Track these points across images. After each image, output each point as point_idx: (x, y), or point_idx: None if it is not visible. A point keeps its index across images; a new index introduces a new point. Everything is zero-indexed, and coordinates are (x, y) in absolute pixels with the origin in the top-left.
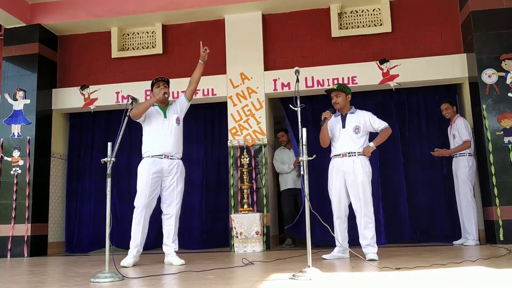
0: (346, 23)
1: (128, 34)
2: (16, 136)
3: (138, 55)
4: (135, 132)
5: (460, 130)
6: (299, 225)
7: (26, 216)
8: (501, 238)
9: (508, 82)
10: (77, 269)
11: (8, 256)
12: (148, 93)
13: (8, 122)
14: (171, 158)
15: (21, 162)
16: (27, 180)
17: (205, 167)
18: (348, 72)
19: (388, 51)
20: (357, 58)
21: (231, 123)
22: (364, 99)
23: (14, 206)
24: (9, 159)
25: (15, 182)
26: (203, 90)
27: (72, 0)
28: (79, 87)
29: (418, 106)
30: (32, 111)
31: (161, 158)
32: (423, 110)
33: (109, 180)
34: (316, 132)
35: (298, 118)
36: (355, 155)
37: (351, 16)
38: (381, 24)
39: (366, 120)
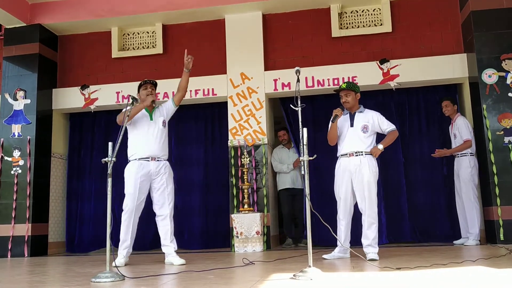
0: (347, 23)
1: (128, 34)
2: (16, 136)
3: (138, 55)
4: None
5: (460, 130)
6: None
7: (27, 216)
8: (502, 238)
9: (508, 82)
10: (77, 269)
11: (9, 256)
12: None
13: (8, 122)
14: (158, 160)
15: (21, 162)
16: (28, 180)
17: (206, 167)
18: (349, 72)
19: (388, 51)
20: (358, 58)
21: (231, 123)
22: (364, 99)
23: (14, 206)
24: (10, 159)
25: (15, 182)
26: (203, 90)
27: (72, 0)
28: (80, 87)
29: (418, 106)
30: (33, 111)
31: (148, 160)
32: (423, 110)
33: (109, 180)
34: (316, 132)
35: (299, 118)
36: (362, 155)
37: (352, 16)
38: (381, 24)
39: (374, 120)
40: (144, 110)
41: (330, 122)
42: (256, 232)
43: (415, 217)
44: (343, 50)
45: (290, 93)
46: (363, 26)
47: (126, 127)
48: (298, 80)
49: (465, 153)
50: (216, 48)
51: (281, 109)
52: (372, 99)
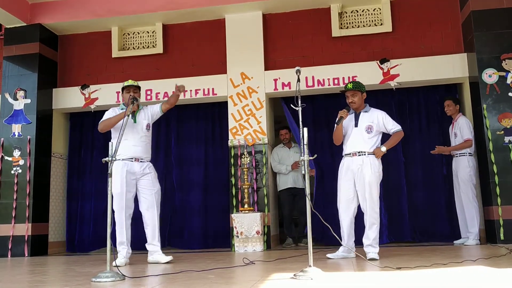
0: (347, 23)
1: (129, 34)
2: (16, 136)
3: (138, 55)
4: None
5: (462, 129)
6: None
7: (27, 216)
8: (502, 237)
9: (508, 81)
10: (78, 269)
11: (9, 256)
12: (149, 92)
13: (8, 122)
14: (141, 161)
15: (21, 162)
16: (28, 180)
17: (206, 167)
18: (349, 72)
19: (388, 51)
20: (358, 58)
21: (231, 123)
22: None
23: (14, 206)
24: (10, 158)
25: (15, 181)
26: (204, 89)
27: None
28: (80, 86)
29: (419, 105)
30: (33, 110)
31: (132, 161)
32: (424, 110)
33: (110, 180)
34: (317, 131)
35: (299, 118)
36: (364, 155)
37: (352, 15)
38: (381, 24)
39: (379, 120)
40: (129, 111)
41: (335, 124)
42: (256, 232)
43: (415, 217)
44: (343, 49)
45: (291, 92)
46: (363, 25)
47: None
48: (298, 80)
49: (464, 153)
50: (216, 48)
51: (284, 109)
52: (372, 99)
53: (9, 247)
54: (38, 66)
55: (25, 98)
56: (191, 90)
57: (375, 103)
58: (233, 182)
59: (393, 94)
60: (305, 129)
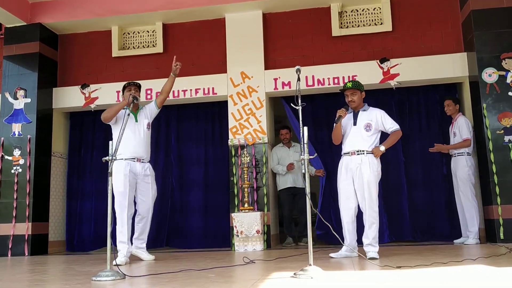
0: (347, 22)
1: (129, 33)
2: (16, 135)
3: (138, 54)
4: None
5: (461, 128)
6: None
7: (27, 215)
8: (502, 237)
9: (508, 81)
10: (78, 268)
11: (9, 255)
12: (149, 92)
13: (8, 121)
14: (143, 162)
15: (21, 161)
16: (28, 179)
17: (206, 166)
18: (349, 71)
19: (388, 50)
20: (358, 57)
21: (231, 122)
22: (365, 98)
23: (14, 205)
24: (10, 158)
25: (15, 181)
26: (204, 89)
27: None
28: (80, 86)
29: (419, 105)
30: (33, 110)
31: (134, 161)
32: (424, 109)
33: (110, 179)
34: (317, 131)
35: (300, 117)
36: (363, 154)
37: (352, 15)
38: (381, 23)
39: (378, 119)
40: (129, 111)
41: (334, 123)
42: (256, 231)
43: (416, 216)
44: (343, 49)
45: (291, 92)
46: (363, 25)
47: (112, 127)
48: (298, 79)
49: (462, 153)
50: (216, 47)
51: (285, 108)
52: (372, 98)
53: (9, 246)
54: (38, 66)
55: (25, 97)
56: (191, 90)
57: (375, 103)
58: (233, 181)
59: (393, 93)
60: (305, 128)
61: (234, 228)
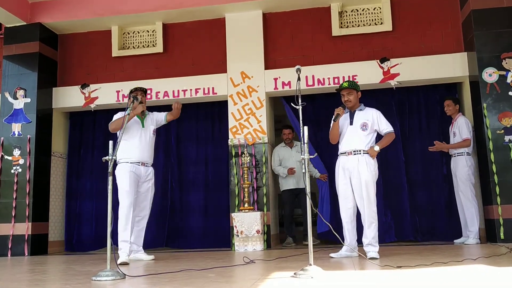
0: (347, 22)
1: (129, 33)
2: (16, 135)
3: (138, 54)
4: None
5: (461, 128)
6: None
7: (27, 215)
8: (502, 236)
9: (508, 81)
10: (78, 268)
11: (9, 255)
12: (149, 91)
13: (8, 121)
14: (146, 166)
15: (21, 161)
16: (28, 179)
17: (206, 166)
18: (349, 71)
19: (388, 50)
20: (358, 57)
21: (231, 122)
22: (365, 98)
23: (14, 205)
24: (10, 158)
25: (15, 181)
26: (204, 89)
27: None
28: (80, 86)
29: (419, 105)
30: (33, 110)
31: (139, 165)
32: (424, 109)
33: (110, 179)
34: (317, 131)
35: (300, 117)
36: (360, 153)
37: (352, 14)
38: (381, 23)
39: (374, 118)
40: (136, 117)
41: (332, 121)
42: (256, 231)
43: (416, 216)
44: (343, 49)
45: (291, 92)
46: (364, 25)
47: (117, 131)
48: (298, 79)
49: (462, 153)
50: (216, 47)
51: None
52: (373, 98)
53: (9, 246)
54: (38, 65)
55: (25, 97)
56: (191, 90)
57: (375, 102)
58: (233, 181)
59: (393, 93)
60: (306, 128)
61: (234, 228)
